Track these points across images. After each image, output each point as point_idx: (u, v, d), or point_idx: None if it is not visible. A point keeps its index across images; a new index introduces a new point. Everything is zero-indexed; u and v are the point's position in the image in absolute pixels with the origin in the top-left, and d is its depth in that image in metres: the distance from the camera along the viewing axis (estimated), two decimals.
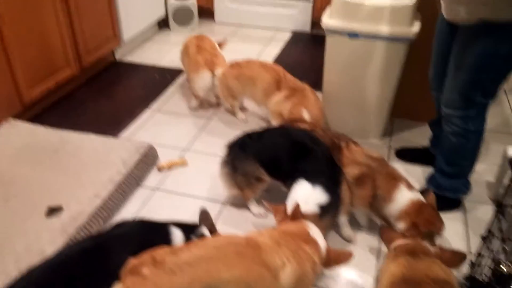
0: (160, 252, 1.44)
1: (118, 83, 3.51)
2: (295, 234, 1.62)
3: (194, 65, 2.98)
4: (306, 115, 2.54)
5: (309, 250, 1.58)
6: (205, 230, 1.79)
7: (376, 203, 1.98)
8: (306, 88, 2.71)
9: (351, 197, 2.04)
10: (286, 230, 1.64)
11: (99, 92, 3.35)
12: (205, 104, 3.17)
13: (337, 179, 1.97)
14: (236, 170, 2.12)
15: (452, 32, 1.99)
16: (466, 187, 2.22)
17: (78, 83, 3.38)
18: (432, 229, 1.85)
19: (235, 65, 2.91)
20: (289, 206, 1.81)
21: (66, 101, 3.21)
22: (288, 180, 1.97)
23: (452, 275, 1.53)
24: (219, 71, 2.93)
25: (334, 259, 1.68)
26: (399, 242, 1.70)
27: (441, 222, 1.88)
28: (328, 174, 1.94)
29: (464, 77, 1.91)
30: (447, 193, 2.22)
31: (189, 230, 1.77)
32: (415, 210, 1.88)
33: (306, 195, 1.85)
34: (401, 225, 1.89)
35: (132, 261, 1.43)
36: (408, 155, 2.64)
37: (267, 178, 2.13)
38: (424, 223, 1.84)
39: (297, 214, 1.73)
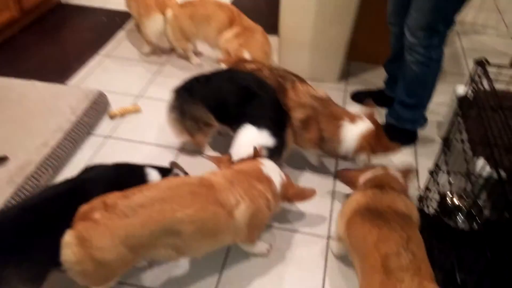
0: (111, 196, 1.41)
1: (63, 26, 3.30)
2: (247, 172, 1.62)
3: (144, 8, 2.81)
4: (247, 56, 2.50)
5: (262, 187, 1.59)
6: (179, 172, 1.79)
7: (326, 146, 2.00)
8: (257, 29, 2.64)
9: (300, 140, 2.05)
10: (239, 169, 1.65)
11: (43, 37, 3.14)
12: (158, 50, 3.04)
13: (283, 123, 1.97)
14: (184, 115, 2.07)
15: None
16: (424, 119, 2.31)
17: (20, 27, 3.16)
18: (390, 153, 1.97)
19: (188, 4, 2.78)
20: (235, 151, 1.81)
21: (7, 46, 3.00)
22: (235, 125, 1.96)
23: (415, 211, 1.57)
24: (170, 13, 2.79)
25: (295, 194, 1.71)
26: (366, 176, 1.74)
27: (396, 144, 1.96)
28: (273, 117, 1.93)
29: (429, 5, 1.93)
30: (407, 124, 2.30)
31: (164, 172, 1.75)
32: (368, 142, 1.91)
33: (252, 138, 1.84)
34: (361, 158, 1.96)
35: (83, 208, 1.40)
36: (363, 97, 2.66)
37: (215, 123, 2.10)
38: (383, 150, 1.92)
39: (255, 155, 1.73)
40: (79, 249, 1.34)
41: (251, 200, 1.54)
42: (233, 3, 3.71)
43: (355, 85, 2.81)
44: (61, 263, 1.36)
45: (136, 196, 1.42)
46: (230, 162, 1.80)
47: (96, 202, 1.41)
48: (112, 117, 2.46)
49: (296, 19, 2.65)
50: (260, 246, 1.79)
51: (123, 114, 2.48)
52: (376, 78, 2.84)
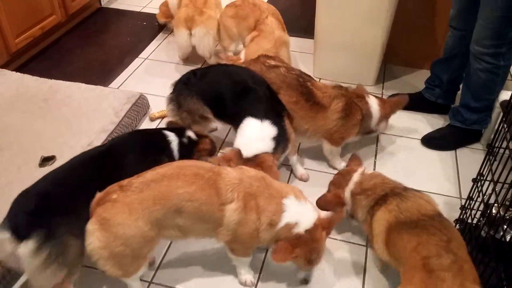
0: (126, 180, 1.49)
1: (105, 30, 3.40)
2: (271, 187, 1.56)
3: (176, 19, 2.85)
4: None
5: (265, 207, 1.51)
6: (191, 133, 1.93)
7: (365, 123, 2.12)
8: (269, 36, 2.59)
9: (344, 130, 2.10)
10: (264, 177, 1.59)
11: (86, 40, 3.25)
12: (194, 57, 3.03)
13: (281, 114, 2.01)
14: (180, 107, 2.12)
15: None
16: (490, 117, 2.29)
17: (65, 30, 3.28)
18: (400, 106, 2.22)
19: (232, 4, 2.82)
20: (244, 147, 1.82)
21: (53, 49, 3.12)
22: (235, 120, 1.97)
23: (436, 205, 1.59)
24: (197, 30, 2.76)
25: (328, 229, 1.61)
26: (351, 187, 1.72)
27: (400, 98, 2.25)
28: (272, 109, 1.97)
29: (498, 13, 1.91)
30: (474, 126, 2.29)
31: (179, 132, 1.91)
32: (383, 108, 2.15)
33: (257, 131, 1.86)
34: (382, 127, 2.20)
35: (98, 195, 1.47)
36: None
37: (211, 116, 2.13)
38: (393, 108, 2.20)
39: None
40: (102, 232, 1.41)
41: (245, 207, 1.49)
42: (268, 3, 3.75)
43: (391, 88, 2.78)
44: None
45: (149, 173, 1.50)
46: (240, 158, 1.80)
47: (111, 186, 1.49)
48: (152, 119, 2.52)
49: (332, 21, 2.64)
50: (244, 271, 1.71)
51: (163, 116, 2.53)
52: (412, 81, 2.81)
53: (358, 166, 1.81)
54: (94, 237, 1.42)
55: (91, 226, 1.43)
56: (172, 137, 1.87)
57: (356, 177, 1.74)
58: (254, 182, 1.54)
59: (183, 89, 2.12)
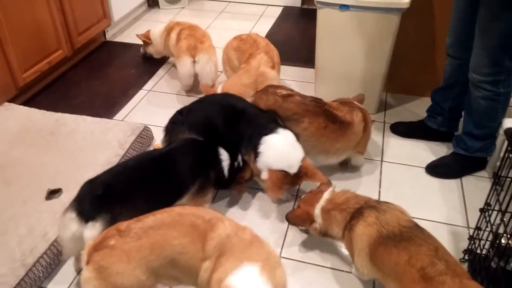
0: (124, 223, 1.46)
1: (110, 63, 3.46)
2: (245, 247, 1.41)
3: (178, 50, 2.92)
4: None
5: (221, 264, 1.37)
6: (241, 159, 2.06)
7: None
8: (251, 71, 2.61)
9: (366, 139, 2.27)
10: (254, 242, 1.45)
11: (91, 73, 3.30)
12: (196, 88, 3.07)
13: (277, 118, 2.09)
14: (168, 136, 2.16)
15: None
16: (494, 145, 2.28)
17: (71, 64, 3.33)
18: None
19: (237, 37, 2.89)
20: (282, 164, 1.86)
21: (60, 83, 3.16)
22: (242, 144, 2.00)
23: (409, 215, 1.65)
24: (201, 56, 2.84)
25: None
26: (322, 203, 1.75)
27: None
28: (273, 119, 2.03)
29: (494, 42, 1.93)
30: (478, 154, 2.29)
31: (233, 154, 2.05)
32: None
33: (284, 143, 1.90)
34: None
35: (96, 239, 1.43)
36: (403, 129, 2.66)
37: None
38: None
39: None
40: (100, 281, 1.37)
41: (215, 268, 1.37)
42: (268, 35, 3.83)
43: (393, 117, 2.80)
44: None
45: (149, 218, 1.47)
46: (289, 177, 1.90)
47: (110, 230, 1.45)
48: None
49: (332, 51, 2.68)
50: None
51: None
52: (414, 109, 2.83)
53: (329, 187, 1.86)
54: (91, 285, 1.37)
55: (88, 274, 1.38)
56: (225, 157, 2.01)
57: (326, 194, 1.78)
58: (237, 241, 1.42)
59: (174, 128, 2.15)
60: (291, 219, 1.84)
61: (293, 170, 1.89)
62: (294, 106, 2.13)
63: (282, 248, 1.96)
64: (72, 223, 1.60)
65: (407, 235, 1.52)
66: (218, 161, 2.00)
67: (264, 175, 1.94)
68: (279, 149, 1.91)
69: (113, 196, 1.68)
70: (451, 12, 2.22)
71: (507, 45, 1.93)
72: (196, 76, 2.93)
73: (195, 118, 2.13)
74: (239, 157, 2.07)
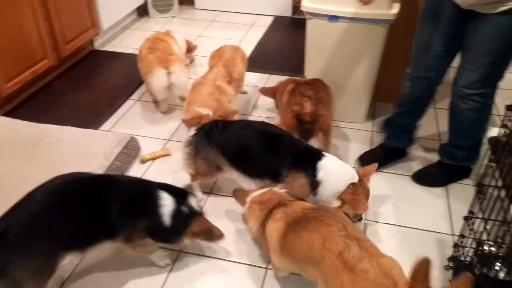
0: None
1: (97, 72, 3.44)
2: None
3: (146, 66, 2.81)
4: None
5: None
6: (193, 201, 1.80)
7: None
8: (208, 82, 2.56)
9: None
10: None
11: (78, 83, 3.28)
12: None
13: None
14: (197, 153, 2.09)
15: (461, 17, 1.96)
16: (479, 154, 2.30)
17: (57, 73, 3.31)
18: None
19: (220, 48, 2.91)
20: (349, 179, 1.89)
21: (45, 92, 3.14)
22: (281, 172, 1.93)
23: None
24: (176, 67, 2.76)
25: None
26: (254, 195, 1.84)
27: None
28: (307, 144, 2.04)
29: (486, 59, 1.95)
30: (464, 163, 2.30)
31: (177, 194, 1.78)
32: None
33: (338, 162, 1.94)
34: None
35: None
36: (372, 158, 2.44)
37: (228, 169, 2.10)
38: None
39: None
40: None
41: None
42: (258, 45, 3.84)
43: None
44: None
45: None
46: (359, 186, 1.91)
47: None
48: (143, 161, 2.51)
49: (321, 61, 2.69)
50: None
51: (154, 158, 2.53)
52: None
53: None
54: None
55: None
56: (167, 201, 1.72)
57: (264, 190, 1.85)
58: None
59: (203, 138, 2.08)
60: (234, 195, 1.96)
61: (355, 180, 1.90)
62: None
63: None
64: None
65: (313, 215, 1.57)
66: (154, 206, 1.69)
67: (336, 203, 1.91)
68: (336, 171, 1.90)
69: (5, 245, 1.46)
70: (416, 40, 2.20)
71: (501, 62, 1.97)
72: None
73: (228, 140, 2.06)
74: (191, 201, 1.78)
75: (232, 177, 2.23)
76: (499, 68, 2.00)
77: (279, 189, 1.84)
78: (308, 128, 2.22)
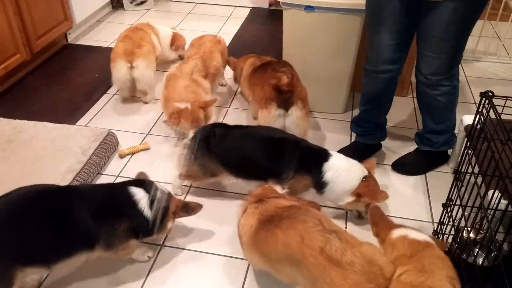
0: None
1: (72, 67, 3.37)
2: None
3: (113, 54, 2.80)
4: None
5: None
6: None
7: None
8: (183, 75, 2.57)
9: None
10: None
11: (52, 78, 3.20)
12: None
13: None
14: (195, 159, 2.07)
15: (411, 8, 1.97)
16: (455, 137, 2.35)
17: (30, 68, 3.23)
18: None
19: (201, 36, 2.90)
20: (360, 174, 1.93)
21: (18, 88, 3.05)
22: (287, 174, 1.94)
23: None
24: (139, 62, 2.74)
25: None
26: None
27: None
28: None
29: (449, 43, 1.97)
30: (443, 147, 2.34)
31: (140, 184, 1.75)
32: None
33: (344, 159, 1.98)
34: None
35: None
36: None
37: (223, 175, 2.10)
38: None
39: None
40: None
41: None
42: (236, 36, 3.82)
43: None
44: None
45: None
46: (371, 178, 1.97)
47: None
48: (121, 156, 2.47)
49: (298, 53, 2.69)
50: None
51: (133, 152, 2.49)
52: None
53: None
54: None
55: None
56: (141, 195, 1.69)
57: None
58: None
59: (202, 145, 2.05)
60: None
61: (365, 173, 1.96)
62: None
63: None
64: None
65: (286, 213, 1.54)
66: (133, 204, 1.65)
67: (348, 199, 1.95)
68: (345, 168, 1.94)
69: None
70: (369, 36, 2.18)
71: (461, 43, 2.01)
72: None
73: (229, 150, 2.04)
74: (155, 186, 1.75)
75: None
76: (460, 48, 2.04)
77: (279, 188, 1.82)
78: (288, 97, 2.25)
